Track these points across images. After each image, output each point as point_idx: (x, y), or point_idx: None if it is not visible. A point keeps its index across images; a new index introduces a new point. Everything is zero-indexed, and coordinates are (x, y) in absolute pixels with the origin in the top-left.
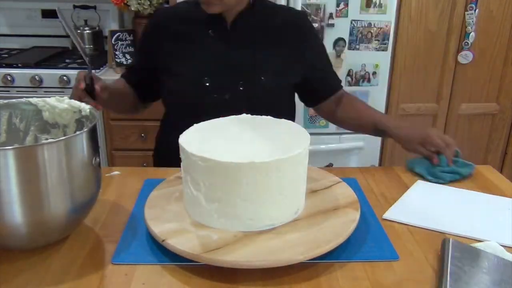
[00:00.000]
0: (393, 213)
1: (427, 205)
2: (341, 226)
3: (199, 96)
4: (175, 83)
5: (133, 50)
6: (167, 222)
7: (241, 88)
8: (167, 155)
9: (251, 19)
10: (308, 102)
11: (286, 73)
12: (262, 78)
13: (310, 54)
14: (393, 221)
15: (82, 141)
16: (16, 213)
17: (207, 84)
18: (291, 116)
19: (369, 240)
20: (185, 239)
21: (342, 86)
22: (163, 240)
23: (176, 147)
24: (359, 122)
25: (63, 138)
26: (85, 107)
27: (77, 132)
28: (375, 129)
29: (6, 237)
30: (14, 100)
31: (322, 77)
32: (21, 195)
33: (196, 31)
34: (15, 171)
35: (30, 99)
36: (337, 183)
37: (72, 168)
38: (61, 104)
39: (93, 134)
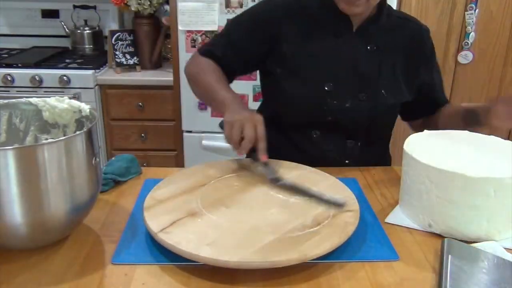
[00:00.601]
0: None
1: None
2: (341, 226)
3: (317, 101)
4: (292, 82)
5: (133, 50)
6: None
7: (364, 98)
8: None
9: (377, 26)
10: (407, 116)
11: (405, 91)
12: (383, 91)
13: (428, 75)
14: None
15: (82, 141)
16: (16, 213)
17: (327, 88)
18: (390, 130)
19: (369, 240)
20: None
21: (447, 101)
22: (161, 230)
23: (276, 145)
24: (448, 119)
25: (63, 138)
26: (85, 107)
27: (77, 132)
28: (464, 116)
29: (6, 236)
30: (14, 100)
31: (431, 97)
32: (21, 195)
33: (320, 30)
34: (15, 171)
35: (30, 99)
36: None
37: (72, 168)
38: (61, 104)
39: (92, 134)
